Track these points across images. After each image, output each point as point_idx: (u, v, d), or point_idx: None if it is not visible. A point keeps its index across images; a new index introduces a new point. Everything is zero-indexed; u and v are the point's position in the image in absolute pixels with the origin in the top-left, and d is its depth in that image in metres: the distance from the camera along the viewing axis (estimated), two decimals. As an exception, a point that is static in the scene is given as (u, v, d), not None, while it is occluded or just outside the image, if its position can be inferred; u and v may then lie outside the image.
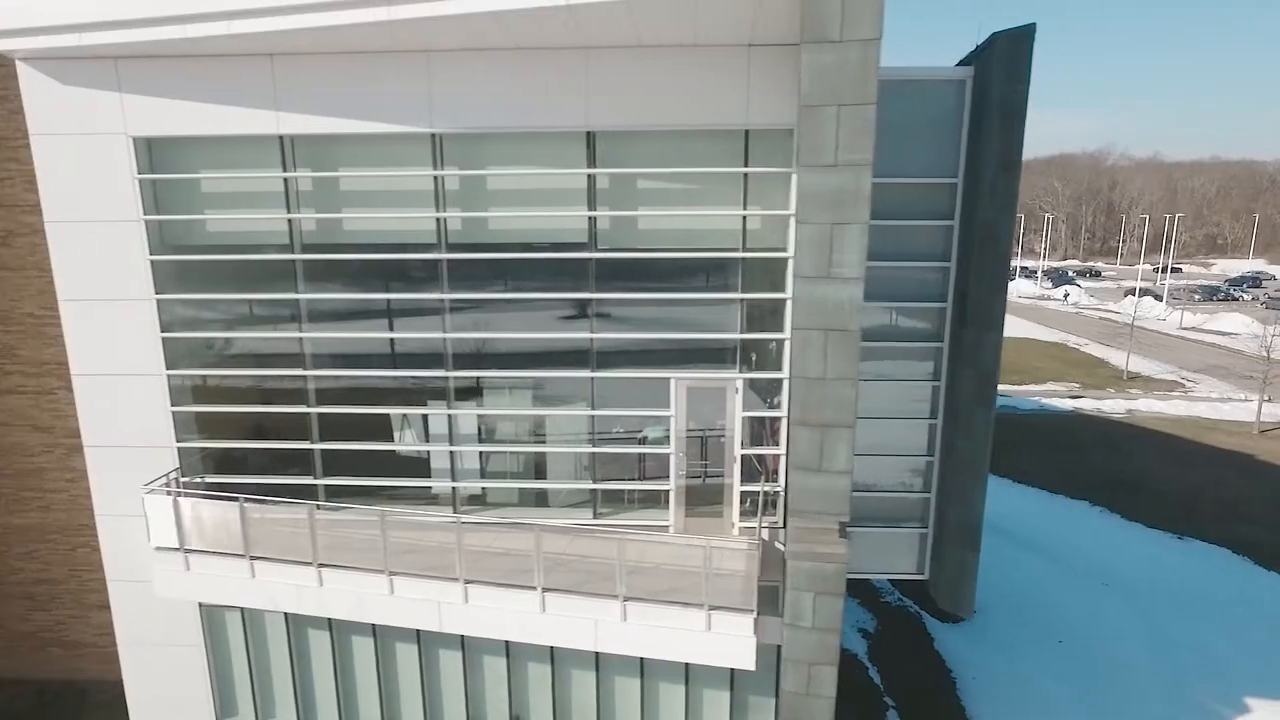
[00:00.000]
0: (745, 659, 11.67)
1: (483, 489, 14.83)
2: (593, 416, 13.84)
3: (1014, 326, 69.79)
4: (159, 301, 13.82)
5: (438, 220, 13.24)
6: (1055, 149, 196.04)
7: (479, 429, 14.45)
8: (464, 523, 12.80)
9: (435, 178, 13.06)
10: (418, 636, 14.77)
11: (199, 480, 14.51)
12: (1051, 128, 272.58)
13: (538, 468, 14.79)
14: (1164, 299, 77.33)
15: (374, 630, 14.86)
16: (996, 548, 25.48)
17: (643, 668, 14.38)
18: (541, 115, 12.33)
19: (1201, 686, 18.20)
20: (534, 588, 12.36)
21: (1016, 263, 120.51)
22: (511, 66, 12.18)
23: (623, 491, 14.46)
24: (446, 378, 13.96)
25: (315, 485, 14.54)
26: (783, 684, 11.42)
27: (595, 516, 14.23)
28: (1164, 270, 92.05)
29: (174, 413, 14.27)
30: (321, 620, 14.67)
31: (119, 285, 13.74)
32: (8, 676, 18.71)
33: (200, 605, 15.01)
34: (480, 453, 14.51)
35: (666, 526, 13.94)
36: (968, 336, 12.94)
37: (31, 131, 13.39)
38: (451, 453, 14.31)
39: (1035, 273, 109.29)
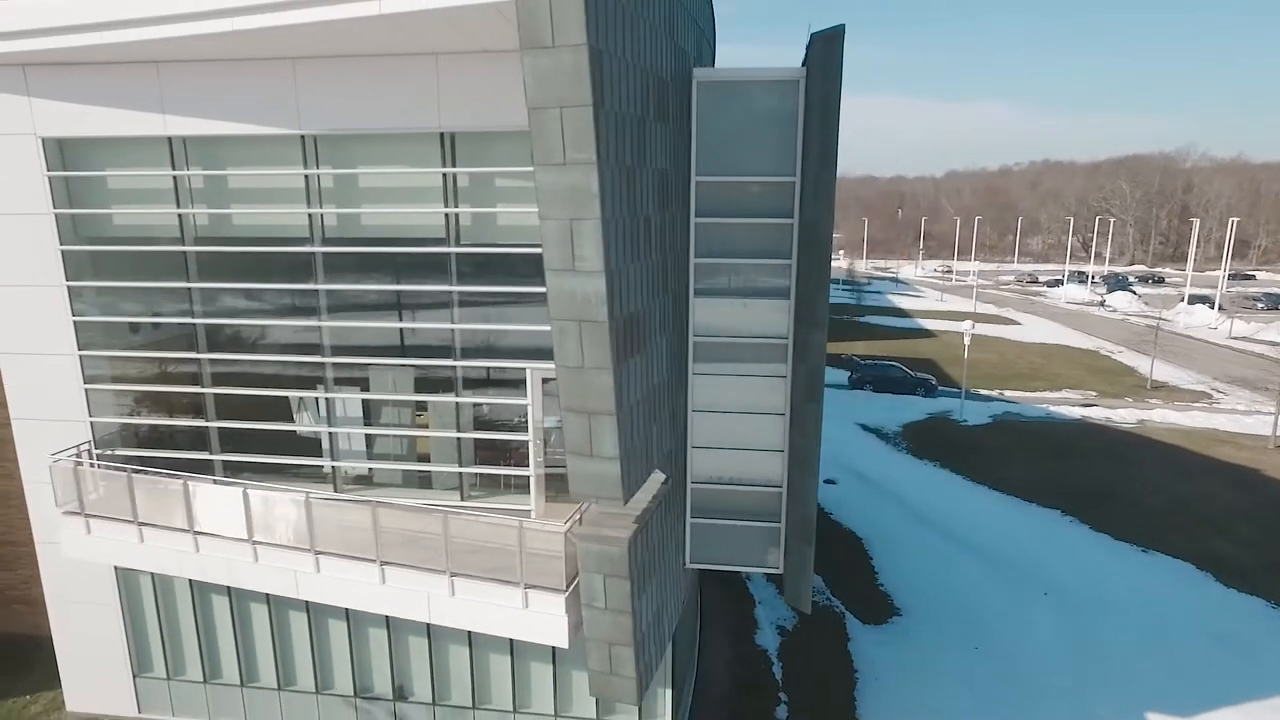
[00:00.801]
0: (559, 637, 12.18)
1: (369, 469, 15.70)
2: (457, 404, 14.52)
3: (1047, 332, 67.68)
4: (70, 288, 15.12)
5: (309, 216, 14.15)
6: (1128, 150, 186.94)
7: (364, 412, 15.31)
8: (313, 499, 13.62)
9: (306, 176, 13.96)
10: (307, 606, 15.76)
11: (115, 453, 15.75)
12: (1126, 130, 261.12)
13: (418, 451, 15.59)
14: (1217, 307, 73.59)
15: (267, 599, 15.91)
16: (941, 552, 25.23)
17: (511, 647, 15.08)
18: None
19: (1105, 699, 17.78)
20: (374, 560, 13.13)
21: (1071, 267, 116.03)
22: (368, 73, 12.98)
23: (498, 477, 15.11)
24: (323, 364, 14.85)
25: (214, 460, 15.64)
26: (588, 663, 11.89)
27: (464, 499, 14.91)
28: (1230, 277, 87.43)
29: (87, 390, 15.57)
30: (222, 586, 15.77)
31: (35, 272, 15.08)
32: (-22, 630, 20.46)
33: (115, 568, 16.31)
34: (365, 435, 15.37)
35: (529, 511, 14.52)
36: (798, 334, 13.15)
37: (-38, 133, 14.84)
38: (331, 434, 15.20)
39: (1092, 278, 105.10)
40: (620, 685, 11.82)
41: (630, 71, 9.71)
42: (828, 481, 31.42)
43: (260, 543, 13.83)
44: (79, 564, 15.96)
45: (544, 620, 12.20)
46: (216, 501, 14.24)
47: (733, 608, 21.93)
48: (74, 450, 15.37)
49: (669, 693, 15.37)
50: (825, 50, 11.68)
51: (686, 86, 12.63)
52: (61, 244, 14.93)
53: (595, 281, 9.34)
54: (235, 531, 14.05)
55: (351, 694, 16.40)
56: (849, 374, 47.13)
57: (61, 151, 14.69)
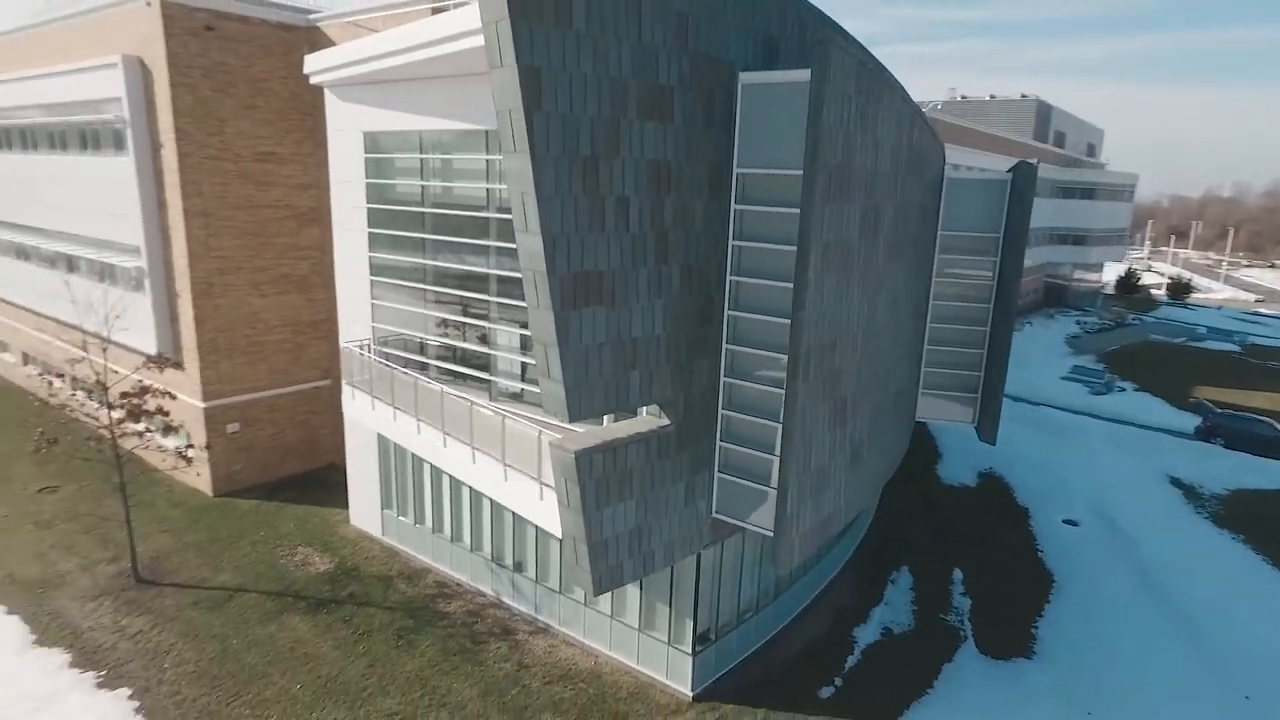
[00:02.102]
0: (557, 528, 15.40)
1: (521, 389, 20.40)
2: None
3: None
4: (369, 233, 22.38)
5: (486, 190, 19.12)
6: None
7: (520, 344, 19.96)
8: (446, 395, 18.64)
9: (486, 160, 18.92)
10: (470, 489, 21.10)
11: (383, 350, 22.84)
12: None
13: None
14: None
15: (451, 478, 21.68)
16: (1148, 625, 21.72)
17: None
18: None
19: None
20: (470, 445, 17.74)
21: None
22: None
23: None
24: (488, 301, 19.82)
25: (429, 365, 21.82)
26: (564, 552, 14.94)
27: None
28: None
29: (372, 304, 22.86)
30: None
31: (354, 220, 22.66)
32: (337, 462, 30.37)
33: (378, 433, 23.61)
34: (518, 360, 20.03)
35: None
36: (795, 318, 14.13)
37: (329, 128, 23.00)
38: (492, 356, 20.18)
39: None
40: (581, 576, 14.64)
41: (589, 82, 12.32)
42: (1068, 522, 28.12)
43: (436, 428, 19.40)
44: (356, 423, 23.55)
45: (551, 511, 15.49)
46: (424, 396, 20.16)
47: (857, 598, 22.18)
48: (358, 343, 22.77)
49: (690, 623, 17.46)
50: (820, 56, 12.74)
51: (722, 88, 14.40)
52: (366, 202, 22.23)
53: (536, 241, 12.36)
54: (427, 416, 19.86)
55: (490, 558, 21.48)
56: (1199, 420, 39.28)
57: (372, 140, 21.86)
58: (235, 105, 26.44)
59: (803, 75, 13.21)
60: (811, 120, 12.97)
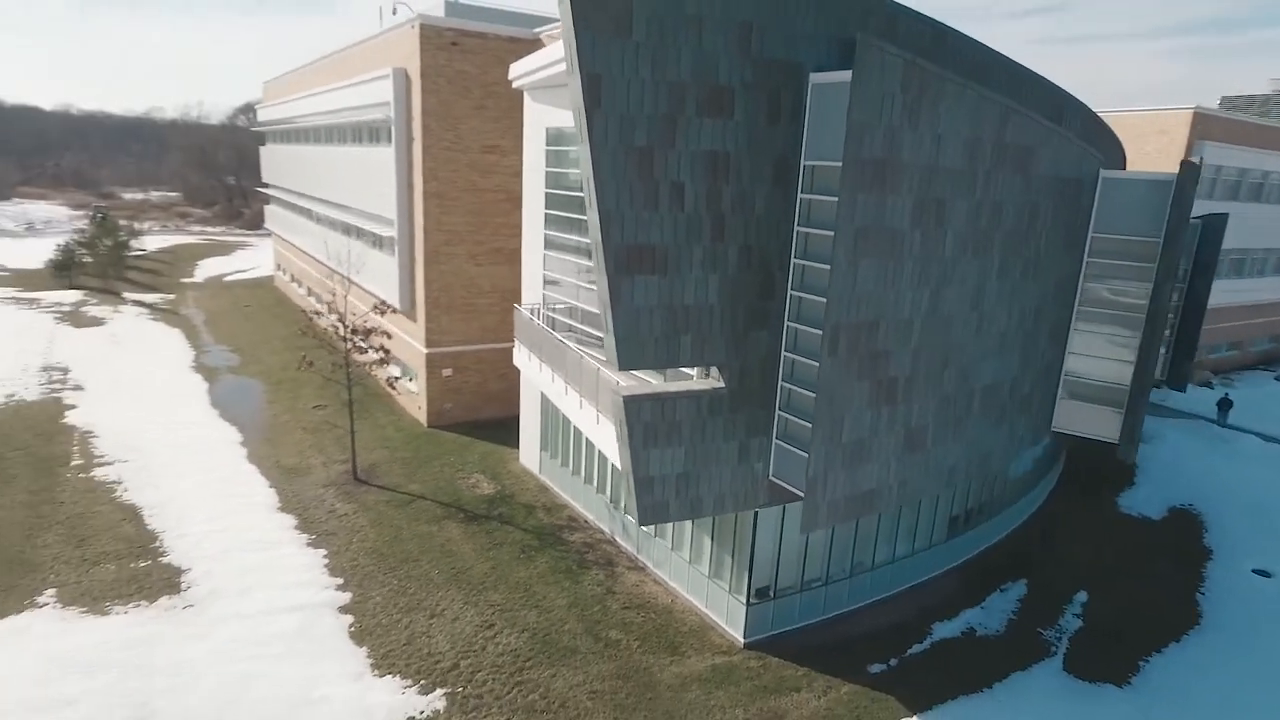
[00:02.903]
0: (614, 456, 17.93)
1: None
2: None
3: None
4: (546, 214, 26.44)
5: (623, 178, 22.02)
6: None
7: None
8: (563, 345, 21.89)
9: (624, 152, 21.82)
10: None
11: (549, 315, 26.83)
12: None
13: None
14: None
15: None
16: None
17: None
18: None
19: None
20: (578, 393, 20.88)
21: None
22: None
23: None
24: (620, 275, 22.73)
25: (576, 328, 25.35)
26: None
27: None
28: None
29: (544, 275, 26.94)
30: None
31: (536, 202, 26.88)
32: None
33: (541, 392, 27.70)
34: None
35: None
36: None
37: (525, 125, 27.42)
38: (620, 323, 23.11)
39: None
40: (631, 506, 17.12)
41: (647, 85, 14.61)
42: (1259, 572, 24.74)
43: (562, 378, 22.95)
44: (523, 374, 27.89)
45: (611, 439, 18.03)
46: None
47: (954, 598, 21.98)
48: (529, 307, 26.98)
49: (747, 575, 19.11)
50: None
51: (790, 87, 15.85)
52: (545, 187, 26.28)
53: (595, 216, 15.06)
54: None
55: (609, 500, 24.57)
56: None
57: (554, 134, 25.81)
58: (469, 106, 32.11)
59: (845, 76, 14.45)
60: (848, 116, 14.20)
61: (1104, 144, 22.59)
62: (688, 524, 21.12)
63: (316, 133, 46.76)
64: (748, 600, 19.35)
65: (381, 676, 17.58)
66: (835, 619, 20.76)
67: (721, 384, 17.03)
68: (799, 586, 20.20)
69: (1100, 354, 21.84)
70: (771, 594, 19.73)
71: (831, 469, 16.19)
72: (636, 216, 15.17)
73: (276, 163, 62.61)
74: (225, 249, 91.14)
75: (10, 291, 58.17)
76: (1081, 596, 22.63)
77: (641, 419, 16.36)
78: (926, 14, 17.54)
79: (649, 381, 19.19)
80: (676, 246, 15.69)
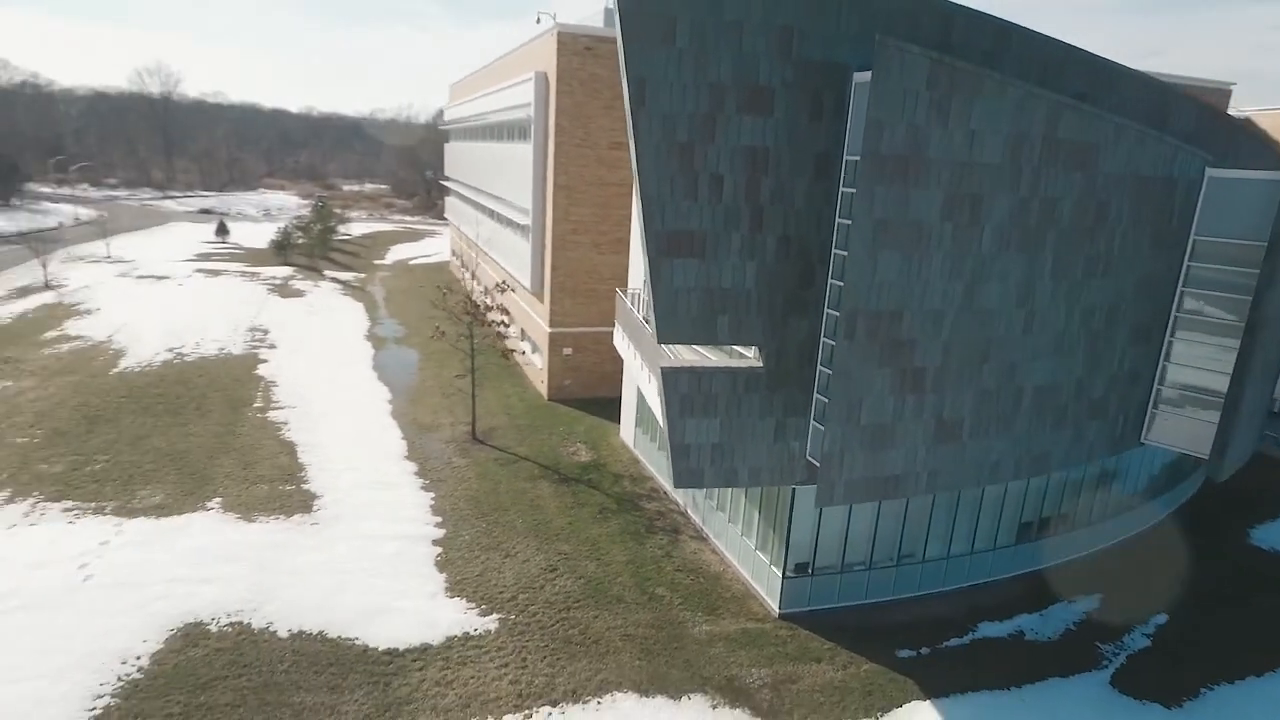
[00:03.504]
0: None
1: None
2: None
3: None
4: (647, 206, 28.38)
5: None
6: None
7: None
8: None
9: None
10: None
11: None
12: None
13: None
14: None
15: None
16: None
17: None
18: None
19: None
20: (644, 367, 22.67)
21: None
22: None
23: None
24: (701, 263, 24.32)
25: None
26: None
27: (734, 367, 22.56)
28: None
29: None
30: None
31: (639, 196, 28.90)
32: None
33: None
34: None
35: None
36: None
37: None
38: (700, 308, 24.70)
39: None
40: (669, 469, 18.78)
41: (688, 87, 16.11)
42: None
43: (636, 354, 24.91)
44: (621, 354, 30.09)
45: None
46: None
47: (1013, 602, 21.60)
48: (630, 293, 29.10)
49: (784, 549, 20.14)
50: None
51: (832, 86, 16.71)
52: (648, 182, 28.20)
53: (640, 202, 16.87)
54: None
55: (684, 474, 26.16)
56: None
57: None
58: (599, 106, 34.76)
59: (867, 76, 15.29)
60: (866, 113, 15.07)
61: (1217, 141, 21.03)
62: (742, 498, 22.40)
63: (479, 130, 51.75)
64: (784, 573, 20.38)
65: (451, 598, 20.43)
66: (877, 605, 21.21)
67: (759, 364, 18.26)
68: (839, 567, 20.89)
69: (1197, 364, 20.59)
70: (810, 571, 20.60)
71: (849, 449, 16.98)
72: (677, 205, 16.80)
73: (454, 158, 69.24)
74: (416, 236, 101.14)
75: (240, 266, 68.65)
76: (1160, 619, 21.45)
77: (679, 390, 17.99)
78: (992, 14, 17.77)
79: (709, 357, 20.63)
80: (715, 234, 17.14)
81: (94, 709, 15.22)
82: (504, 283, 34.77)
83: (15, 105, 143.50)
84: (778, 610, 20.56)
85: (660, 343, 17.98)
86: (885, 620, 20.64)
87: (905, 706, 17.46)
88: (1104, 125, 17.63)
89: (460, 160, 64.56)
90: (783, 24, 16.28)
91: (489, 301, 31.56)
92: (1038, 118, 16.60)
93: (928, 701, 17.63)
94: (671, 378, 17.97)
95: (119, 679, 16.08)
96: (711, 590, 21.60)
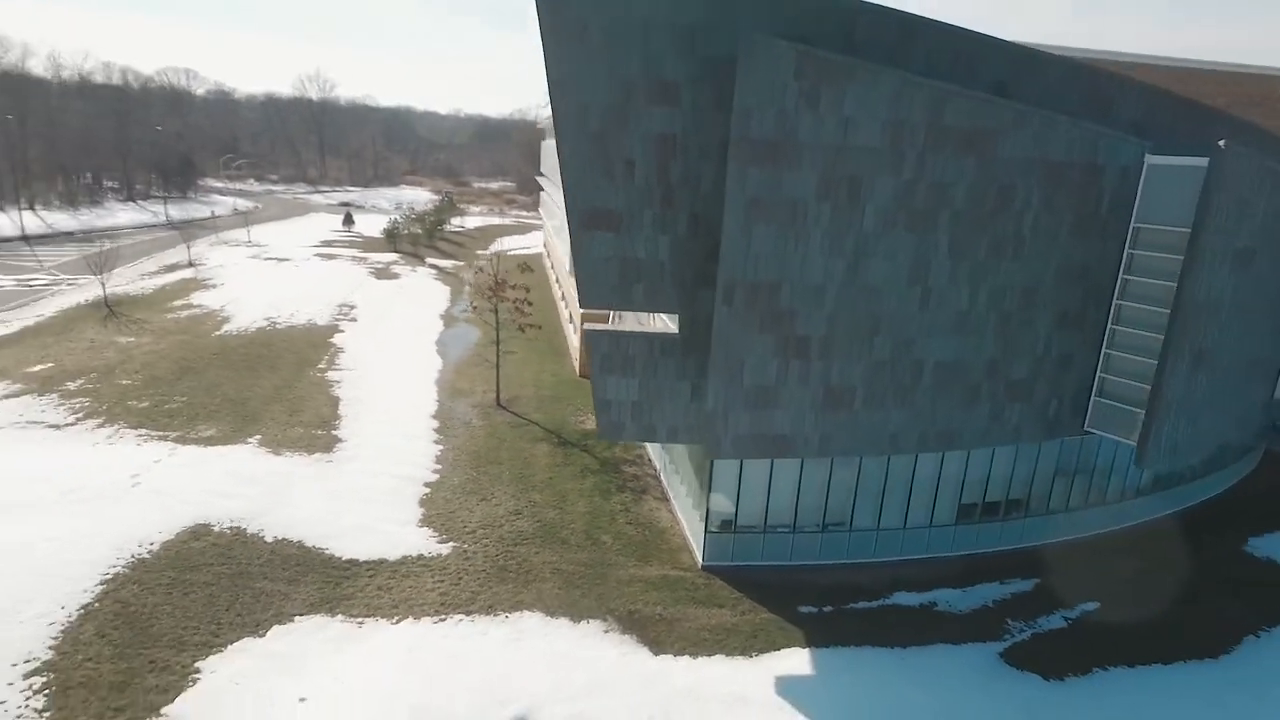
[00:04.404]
0: (607, 395, 21.86)
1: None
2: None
3: None
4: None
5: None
6: None
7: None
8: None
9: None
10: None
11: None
12: None
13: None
14: None
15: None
16: None
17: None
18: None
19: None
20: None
21: None
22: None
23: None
24: (675, 245, 26.28)
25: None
26: (599, 408, 21.43)
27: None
28: None
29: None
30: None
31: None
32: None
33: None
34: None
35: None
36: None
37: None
38: (674, 287, 26.66)
39: None
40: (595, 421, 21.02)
41: (600, 81, 18.17)
42: (1368, 637, 20.89)
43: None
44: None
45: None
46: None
47: (940, 578, 22.23)
48: (633, 273, 31.27)
49: (705, 506, 21.87)
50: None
51: (734, 80, 18.33)
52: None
53: (562, 183, 19.23)
54: (626, 321, 27.73)
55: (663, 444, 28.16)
56: None
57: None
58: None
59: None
60: (734, 101, 16.80)
61: (1160, 128, 20.62)
62: (689, 461, 24.22)
63: (548, 130, 55.25)
64: (707, 529, 22.12)
65: (420, 528, 23.57)
66: (802, 567, 22.49)
67: (674, 330, 20.20)
68: (763, 527, 22.36)
69: (1131, 352, 20.58)
70: (733, 528, 22.22)
71: (733, 408, 18.67)
72: (595, 185, 19.02)
73: (544, 154, 73.58)
74: (524, 230, 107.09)
75: (354, 252, 76.02)
76: (1089, 606, 21.49)
77: (600, 350, 20.23)
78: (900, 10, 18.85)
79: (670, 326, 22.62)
80: (629, 211, 19.25)
81: (105, 572, 19.36)
82: (527, 263, 37.85)
83: (196, 109, 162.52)
84: (701, 562, 22.33)
85: (582, 306, 20.25)
86: (803, 581, 21.92)
87: (782, 651, 18.89)
88: (999, 111, 18.31)
89: (547, 156, 68.72)
90: (687, 24, 18.16)
91: (509, 281, 34.71)
92: (919, 105, 17.60)
93: (805, 649, 18.98)
94: (593, 339, 20.23)
95: (131, 556, 20.22)
96: (652, 542, 23.62)
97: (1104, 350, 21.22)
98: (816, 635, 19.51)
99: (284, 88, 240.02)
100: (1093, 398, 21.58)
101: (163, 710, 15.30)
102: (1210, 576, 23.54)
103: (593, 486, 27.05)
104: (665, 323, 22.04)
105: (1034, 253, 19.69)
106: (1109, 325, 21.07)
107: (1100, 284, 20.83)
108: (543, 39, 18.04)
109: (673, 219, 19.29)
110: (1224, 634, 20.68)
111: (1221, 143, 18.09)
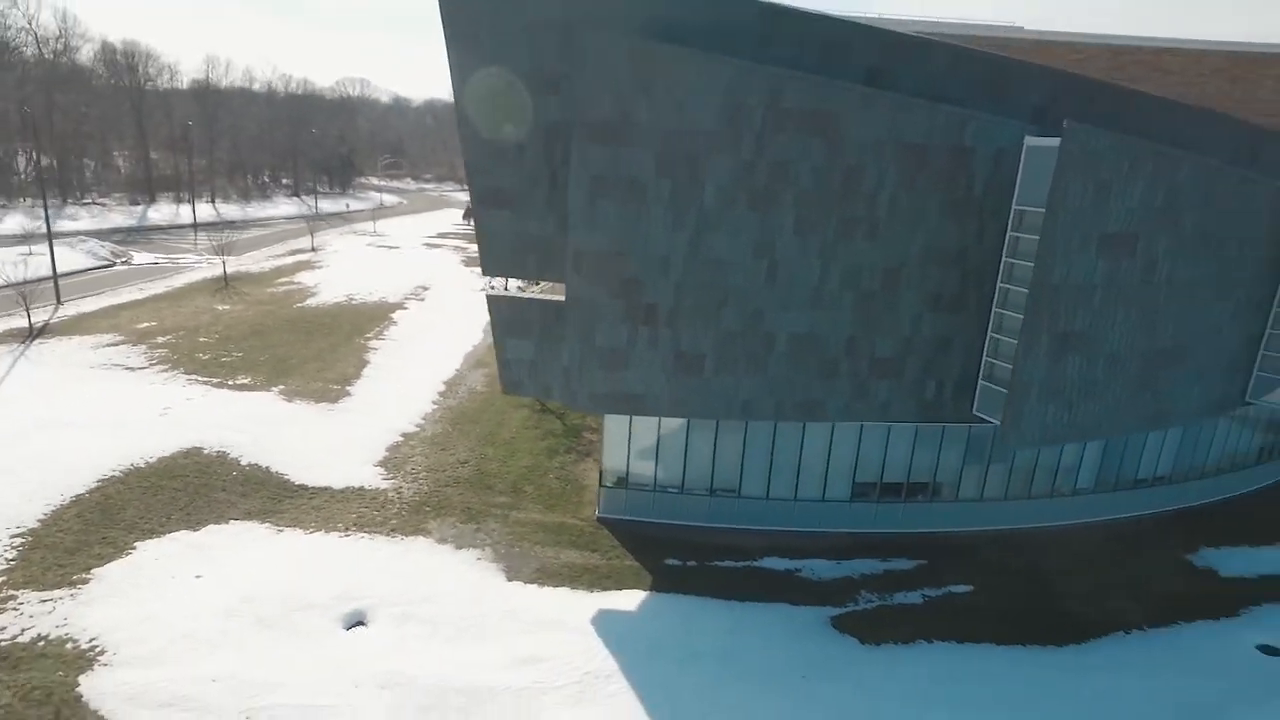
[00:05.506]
0: (522, 357, 24.38)
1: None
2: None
3: None
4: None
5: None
6: None
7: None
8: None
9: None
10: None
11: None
12: None
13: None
14: None
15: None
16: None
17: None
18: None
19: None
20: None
21: None
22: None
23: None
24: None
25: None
26: (509, 367, 24.00)
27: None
28: None
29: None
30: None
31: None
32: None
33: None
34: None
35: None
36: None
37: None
38: (625, 267, 28.69)
39: None
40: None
41: (494, 74, 20.79)
42: (1265, 649, 19.61)
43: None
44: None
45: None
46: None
47: (814, 551, 22.89)
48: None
49: (599, 463, 23.80)
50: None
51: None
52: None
53: (464, 163, 21.99)
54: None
55: (615, 412, 30.20)
56: None
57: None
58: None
59: (592, 56, 18.96)
60: (576, 88, 18.84)
61: (1070, 111, 20.02)
62: (610, 426, 26.18)
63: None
64: (601, 483, 24.08)
65: (375, 467, 27.10)
66: (691, 527, 23.85)
67: (562, 299, 22.40)
68: (653, 487, 23.99)
69: (1011, 336, 20.47)
70: (626, 485, 24.02)
71: (588, 367, 20.64)
72: (491, 168, 21.64)
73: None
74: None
75: (459, 243, 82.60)
76: (960, 589, 21.51)
77: (501, 314, 22.80)
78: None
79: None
80: (522, 190, 21.70)
81: (104, 474, 24.21)
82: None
83: (363, 114, 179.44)
84: (597, 514, 24.30)
85: (484, 274, 22.87)
86: (684, 539, 23.35)
87: (624, 591, 20.63)
88: (844, 94, 19.10)
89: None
90: (565, 21, 20.34)
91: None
92: (755, 89, 18.79)
93: (646, 592, 20.60)
94: (494, 304, 22.80)
95: (130, 465, 25.03)
96: (568, 494, 25.85)
97: (990, 335, 21.19)
98: (664, 583, 21.06)
99: (445, 94, 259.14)
100: (980, 381, 21.55)
101: (93, 571, 19.52)
102: (1123, 579, 22.63)
103: (546, 447, 29.58)
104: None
105: (893, 233, 20.18)
106: (994, 310, 21.03)
107: (981, 267, 20.87)
108: (445, 39, 20.85)
109: (559, 198, 21.49)
110: (1088, 628, 20.14)
111: (1066, 122, 17.92)
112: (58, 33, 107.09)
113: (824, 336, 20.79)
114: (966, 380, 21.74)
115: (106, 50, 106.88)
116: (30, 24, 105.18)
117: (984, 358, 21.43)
